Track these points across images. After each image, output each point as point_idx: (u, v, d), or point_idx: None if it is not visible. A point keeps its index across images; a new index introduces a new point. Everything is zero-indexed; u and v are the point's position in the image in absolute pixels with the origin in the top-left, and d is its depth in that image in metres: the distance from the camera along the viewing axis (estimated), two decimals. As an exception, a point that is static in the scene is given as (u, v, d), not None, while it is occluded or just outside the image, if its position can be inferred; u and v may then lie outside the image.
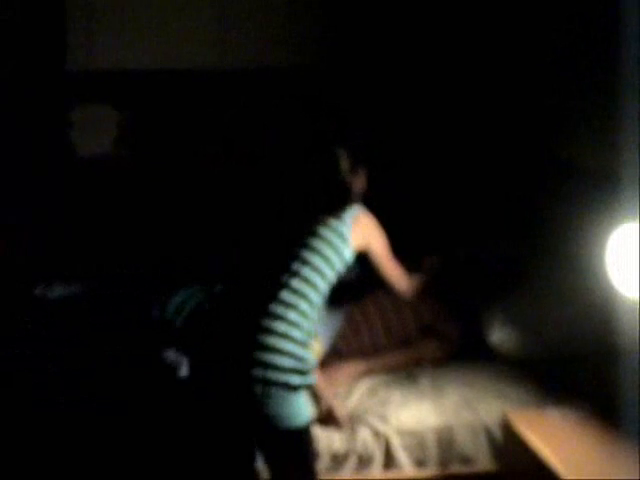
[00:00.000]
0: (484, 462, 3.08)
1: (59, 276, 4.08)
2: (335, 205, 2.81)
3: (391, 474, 3.06)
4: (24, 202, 4.50)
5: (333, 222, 2.76)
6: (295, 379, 2.46)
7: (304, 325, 2.59)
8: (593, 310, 3.03)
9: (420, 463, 3.08)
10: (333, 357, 3.44)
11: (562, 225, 3.32)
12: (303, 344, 2.56)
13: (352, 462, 3.04)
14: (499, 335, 3.51)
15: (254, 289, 2.67)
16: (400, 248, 3.13)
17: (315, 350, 3.19)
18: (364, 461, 3.05)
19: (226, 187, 4.74)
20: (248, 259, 2.92)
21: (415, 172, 4.58)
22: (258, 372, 2.45)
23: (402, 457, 3.06)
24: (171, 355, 3.27)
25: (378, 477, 3.06)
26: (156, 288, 3.94)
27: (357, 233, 2.81)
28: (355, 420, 3.09)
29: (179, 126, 4.80)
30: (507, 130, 4.07)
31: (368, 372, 3.41)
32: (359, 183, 2.98)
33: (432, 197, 4.50)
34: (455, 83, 4.44)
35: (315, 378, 2.66)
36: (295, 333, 2.55)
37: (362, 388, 3.29)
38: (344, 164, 2.88)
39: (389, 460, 3.06)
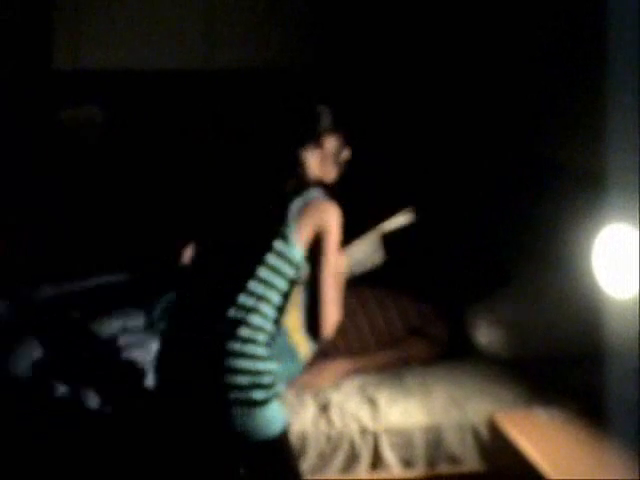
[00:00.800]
0: (471, 462, 3.09)
1: (48, 277, 4.06)
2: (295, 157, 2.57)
3: (378, 475, 3.07)
4: (11, 202, 4.49)
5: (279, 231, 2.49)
6: (258, 394, 2.41)
7: (260, 337, 2.45)
8: (579, 310, 3.05)
9: (407, 462, 3.08)
10: (319, 357, 3.43)
11: (549, 226, 3.33)
12: (261, 358, 2.43)
13: (339, 461, 3.05)
14: (486, 335, 3.52)
15: (208, 299, 2.52)
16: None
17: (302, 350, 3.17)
18: (351, 460, 3.06)
19: (212, 185, 4.73)
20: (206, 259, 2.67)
21: (399, 170, 4.59)
22: (220, 394, 2.40)
23: (390, 456, 3.06)
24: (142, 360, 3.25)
25: (365, 477, 3.07)
26: (146, 290, 3.95)
27: (307, 220, 2.48)
28: (343, 417, 3.10)
29: (166, 126, 4.80)
30: (495, 130, 4.09)
31: (355, 371, 3.41)
32: (333, 147, 2.64)
33: (417, 195, 4.52)
34: (443, 82, 4.45)
35: (282, 387, 2.57)
36: (251, 349, 2.42)
37: (350, 386, 3.29)
38: (325, 119, 2.61)
39: (376, 459, 3.06)
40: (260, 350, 2.44)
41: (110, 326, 3.55)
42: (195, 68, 4.80)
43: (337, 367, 3.39)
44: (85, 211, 4.67)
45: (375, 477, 3.07)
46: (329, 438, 3.05)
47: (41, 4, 4.59)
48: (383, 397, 3.20)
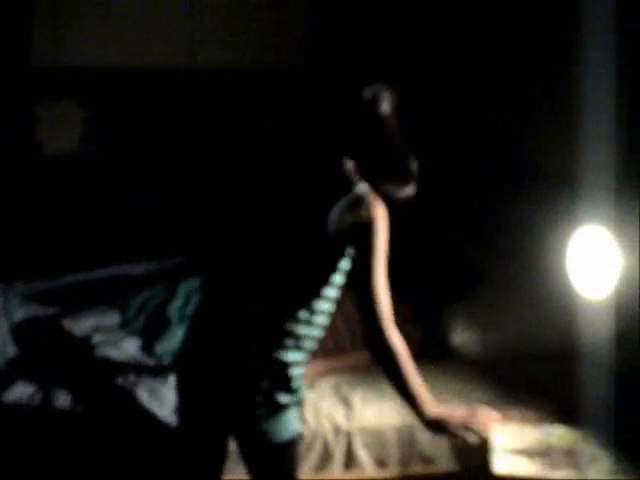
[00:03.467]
0: (445, 462, 3.09)
1: (19, 275, 4.05)
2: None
3: (352, 474, 3.07)
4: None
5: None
6: (283, 398, 2.40)
7: (291, 343, 2.35)
8: (554, 311, 3.06)
9: (381, 462, 3.08)
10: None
11: (523, 227, 3.34)
12: (292, 363, 2.36)
13: (312, 460, 3.04)
14: (460, 336, 3.54)
15: (238, 307, 2.39)
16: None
17: None
18: (324, 459, 3.05)
19: (195, 184, 4.73)
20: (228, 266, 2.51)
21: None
22: (251, 396, 2.38)
23: (363, 456, 3.06)
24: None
25: (339, 477, 3.06)
26: (119, 289, 3.92)
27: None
28: (317, 416, 3.09)
29: (146, 124, 4.79)
30: (470, 132, 4.09)
31: (329, 371, 3.41)
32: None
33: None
34: (421, 82, 4.45)
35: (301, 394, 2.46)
36: (283, 355, 2.34)
37: (324, 386, 3.29)
38: (385, 105, 2.38)
39: (350, 459, 3.06)
40: (287, 355, 2.35)
41: (84, 324, 3.54)
42: (177, 66, 4.79)
43: (311, 368, 3.38)
44: (63, 209, 4.65)
45: (348, 477, 3.07)
46: (303, 437, 3.05)
47: (21, 1, 4.58)
48: (357, 397, 3.20)
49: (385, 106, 2.38)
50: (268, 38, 4.82)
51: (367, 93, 2.36)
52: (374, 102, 2.37)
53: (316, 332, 2.39)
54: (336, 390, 3.27)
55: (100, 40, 4.71)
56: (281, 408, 2.36)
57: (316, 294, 2.32)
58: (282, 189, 2.44)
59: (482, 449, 2.77)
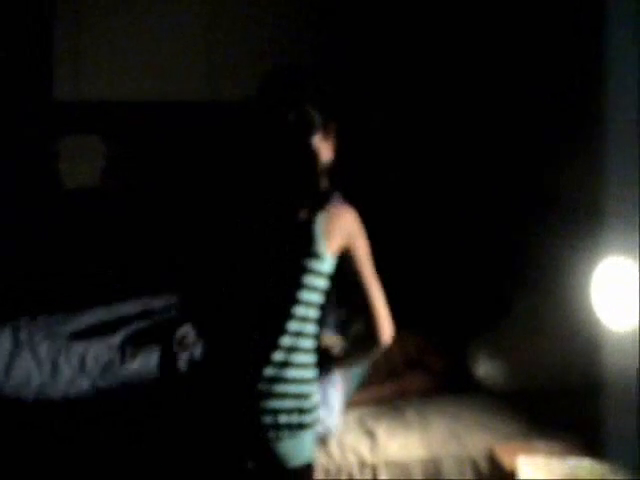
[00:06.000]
0: (471, 495, 3.08)
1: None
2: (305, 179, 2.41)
3: (377, 507, 3.06)
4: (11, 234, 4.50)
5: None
6: (305, 418, 2.40)
7: (305, 359, 2.42)
8: (579, 343, 3.04)
9: (406, 495, 3.07)
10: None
11: (548, 258, 3.33)
12: (307, 381, 2.41)
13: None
14: (485, 368, 3.52)
15: (241, 334, 2.45)
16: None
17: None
18: None
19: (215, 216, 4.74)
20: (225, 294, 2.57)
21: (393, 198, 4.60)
22: (268, 419, 2.35)
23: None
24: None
25: (364, 510, 3.05)
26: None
27: (334, 231, 2.39)
28: (342, 450, 3.08)
29: (167, 158, 4.81)
30: (495, 163, 4.10)
31: (354, 405, 3.40)
32: (329, 145, 2.54)
33: (415, 224, 4.50)
34: (445, 114, 4.47)
35: (319, 412, 2.50)
36: (299, 373, 2.40)
37: (348, 419, 3.28)
38: (316, 116, 2.45)
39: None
40: (300, 372, 2.41)
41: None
42: (197, 100, 4.83)
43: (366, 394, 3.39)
44: (84, 243, 4.67)
45: (373, 511, 3.05)
46: (327, 471, 3.03)
47: (42, 35, 4.63)
48: (382, 430, 3.19)
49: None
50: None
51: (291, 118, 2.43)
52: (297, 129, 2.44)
53: (316, 341, 2.46)
54: (361, 423, 3.25)
55: (120, 74, 4.76)
56: (301, 428, 2.37)
57: (312, 304, 2.41)
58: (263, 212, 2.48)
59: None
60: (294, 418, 2.37)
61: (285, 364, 2.38)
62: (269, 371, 2.37)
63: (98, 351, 3.55)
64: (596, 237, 2.91)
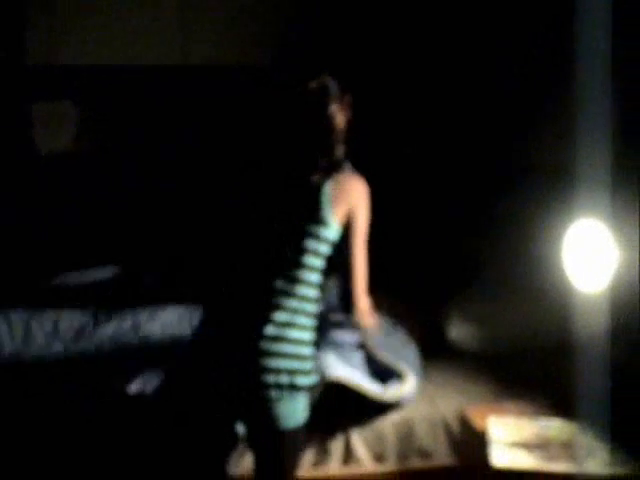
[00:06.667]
0: (443, 456, 3.11)
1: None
2: (322, 149, 2.52)
3: (350, 469, 3.08)
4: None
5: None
6: (302, 380, 2.44)
7: (301, 320, 2.47)
8: (550, 305, 3.07)
9: (379, 457, 3.09)
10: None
11: (519, 221, 3.35)
12: (304, 342, 2.46)
13: (310, 456, 3.05)
14: (457, 331, 3.54)
15: (244, 294, 2.52)
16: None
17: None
18: (322, 455, 3.06)
19: (190, 182, 4.74)
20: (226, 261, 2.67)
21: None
22: (269, 378, 2.40)
23: (361, 451, 3.07)
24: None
25: (337, 472, 3.07)
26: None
27: (341, 198, 2.49)
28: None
29: (141, 122, 4.79)
30: (466, 129, 4.10)
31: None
32: (345, 113, 2.65)
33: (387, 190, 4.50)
34: (418, 78, 4.46)
35: (315, 378, 2.55)
36: (293, 333, 2.44)
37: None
38: (333, 87, 2.60)
39: (348, 454, 3.07)
40: (301, 334, 2.46)
41: None
42: (170, 64, 4.80)
43: None
44: (58, 208, 4.65)
45: (346, 472, 3.07)
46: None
47: (15, 1, 4.58)
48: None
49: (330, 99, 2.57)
50: (258, 37, 4.84)
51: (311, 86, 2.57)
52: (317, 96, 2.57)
53: (317, 308, 2.52)
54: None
55: (93, 39, 4.72)
56: (298, 390, 2.41)
57: (313, 268, 2.47)
58: (273, 175, 2.57)
59: (480, 443, 2.79)
60: (293, 379, 2.41)
61: (288, 324, 2.43)
62: (272, 330, 2.42)
63: (71, 316, 3.55)
64: (567, 200, 2.92)
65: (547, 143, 3.30)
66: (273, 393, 2.39)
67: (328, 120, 2.56)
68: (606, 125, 2.84)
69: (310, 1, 4.77)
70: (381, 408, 3.08)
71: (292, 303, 2.45)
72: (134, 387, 3.10)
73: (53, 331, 3.46)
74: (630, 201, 2.71)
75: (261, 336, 2.41)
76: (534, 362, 3.20)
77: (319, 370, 2.92)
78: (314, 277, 2.48)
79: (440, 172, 4.24)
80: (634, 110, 2.79)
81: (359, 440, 3.07)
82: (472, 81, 4.01)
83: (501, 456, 2.65)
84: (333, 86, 2.59)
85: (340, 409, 3.04)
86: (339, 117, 2.60)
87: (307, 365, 2.45)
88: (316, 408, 2.56)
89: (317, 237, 2.46)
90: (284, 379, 2.40)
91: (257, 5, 4.84)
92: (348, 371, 3.08)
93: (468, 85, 4.05)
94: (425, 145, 4.40)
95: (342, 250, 2.52)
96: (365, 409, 3.07)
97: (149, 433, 2.98)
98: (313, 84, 2.57)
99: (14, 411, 3.06)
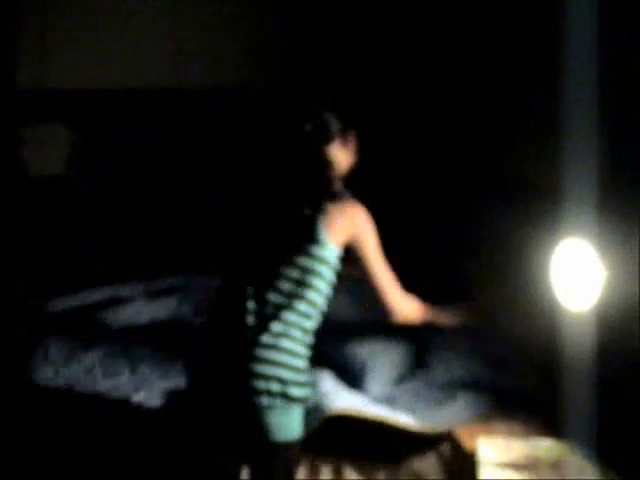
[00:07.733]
0: (433, 476, 3.06)
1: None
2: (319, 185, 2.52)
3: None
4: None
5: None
6: (294, 391, 2.43)
7: (295, 333, 2.48)
8: (537, 323, 3.07)
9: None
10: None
11: (506, 240, 3.36)
12: (297, 354, 2.48)
13: (300, 475, 3.02)
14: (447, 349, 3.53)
15: (241, 303, 2.53)
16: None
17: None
18: (314, 474, 3.04)
19: (183, 205, 4.75)
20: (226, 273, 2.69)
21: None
22: (260, 384, 2.41)
23: (350, 473, 3.05)
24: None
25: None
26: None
27: (339, 225, 2.48)
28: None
29: (132, 146, 4.80)
30: (454, 145, 4.11)
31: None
32: (348, 151, 2.65)
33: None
34: (409, 95, 4.48)
35: (310, 392, 2.58)
36: (286, 343, 2.46)
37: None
38: (334, 126, 2.59)
39: (338, 475, 3.05)
40: (295, 346, 2.47)
41: None
42: (162, 87, 4.81)
43: None
44: (47, 231, 4.64)
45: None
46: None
47: (7, 22, 4.59)
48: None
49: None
50: (249, 58, 4.87)
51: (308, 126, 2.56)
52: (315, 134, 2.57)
53: (315, 325, 2.53)
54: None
55: (85, 62, 4.74)
56: (290, 401, 2.40)
57: (316, 289, 2.48)
58: (267, 200, 2.59)
59: (469, 463, 2.78)
60: (285, 388, 2.41)
61: (282, 335, 2.44)
62: (266, 338, 2.43)
63: (59, 341, 3.56)
64: (554, 219, 2.94)
65: (534, 163, 3.32)
66: (264, 400, 2.40)
67: (326, 161, 2.55)
68: (593, 145, 2.85)
69: (307, 23, 4.79)
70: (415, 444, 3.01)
71: (291, 317, 2.46)
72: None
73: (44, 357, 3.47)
74: (617, 220, 2.72)
75: (255, 344, 2.43)
76: (522, 381, 3.19)
77: (317, 397, 2.93)
78: (317, 298, 2.49)
79: (427, 192, 4.24)
80: (622, 130, 2.81)
81: (348, 460, 3.05)
82: (461, 100, 4.03)
83: (490, 476, 2.65)
84: (332, 125, 2.58)
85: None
86: (340, 156, 2.60)
87: (301, 377, 2.46)
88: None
89: (311, 255, 2.46)
90: (275, 387, 2.40)
91: (252, 27, 4.86)
92: (359, 401, 3.07)
93: (457, 104, 4.07)
94: (413, 164, 4.41)
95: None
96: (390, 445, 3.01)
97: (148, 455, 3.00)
98: (309, 125, 2.55)
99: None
